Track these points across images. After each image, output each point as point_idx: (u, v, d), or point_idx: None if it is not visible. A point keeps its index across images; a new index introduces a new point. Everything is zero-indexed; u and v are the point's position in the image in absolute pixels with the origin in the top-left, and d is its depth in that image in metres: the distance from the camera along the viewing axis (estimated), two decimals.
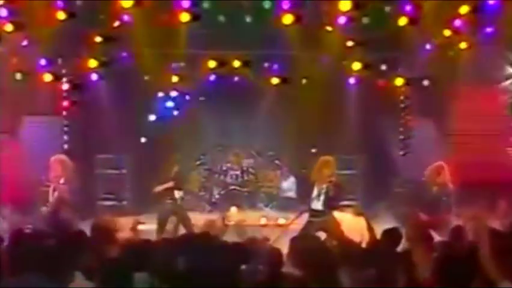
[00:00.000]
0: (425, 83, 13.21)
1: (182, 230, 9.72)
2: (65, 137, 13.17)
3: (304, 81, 13.53)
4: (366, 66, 13.14)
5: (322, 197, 8.85)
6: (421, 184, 9.34)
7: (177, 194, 10.13)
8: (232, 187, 14.29)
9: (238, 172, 14.44)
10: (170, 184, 10.05)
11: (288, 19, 12.20)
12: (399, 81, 13.51)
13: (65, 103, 13.21)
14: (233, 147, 14.55)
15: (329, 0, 12.10)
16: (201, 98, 13.90)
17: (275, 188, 14.29)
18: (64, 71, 13.02)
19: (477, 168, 12.06)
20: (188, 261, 4.45)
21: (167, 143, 12.90)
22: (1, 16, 11.52)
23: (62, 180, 8.45)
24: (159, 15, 12.17)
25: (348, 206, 11.16)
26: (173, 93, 13.71)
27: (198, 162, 14.34)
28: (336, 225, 8.67)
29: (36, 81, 12.61)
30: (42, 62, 12.70)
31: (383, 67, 13.18)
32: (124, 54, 12.95)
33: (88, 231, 5.73)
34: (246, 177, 14.45)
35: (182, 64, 13.16)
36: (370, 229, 6.41)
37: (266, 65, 13.40)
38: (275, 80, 13.57)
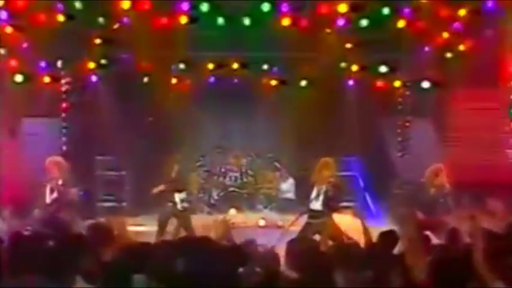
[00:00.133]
0: (424, 84, 13.25)
1: (183, 232, 9.73)
2: (65, 139, 13.22)
3: (303, 83, 13.57)
4: (364, 68, 13.20)
5: (321, 197, 8.89)
6: (419, 185, 9.36)
7: (178, 196, 10.11)
8: (231, 189, 14.29)
9: (237, 174, 14.46)
10: (161, 187, 10.03)
11: (286, 21, 12.28)
12: (397, 83, 13.57)
13: (65, 105, 13.28)
14: (232, 149, 14.56)
15: (327, 2, 12.16)
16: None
17: (274, 189, 14.30)
18: (63, 73, 13.08)
19: (475, 170, 12.08)
20: (186, 264, 4.47)
21: (167, 145, 12.94)
22: (1, 18, 11.58)
23: (60, 182, 8.44)
24: (158, 17, 12.22)
25: (347, 207, 11.23)
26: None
27: (197, 164, 14.35)
28: (335, 227, 8.70)
29: (35, 83, 12.65)
30: (42, 63, 12.75)
31: (382, 69, 13.20)
32: (123, 56, 12.99)
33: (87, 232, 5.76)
34: (245, 179, 14.46)
35: (181, 66, 13.19)
36: (366, 231, 6.43)
37: (265, 67, 13.43)
38: (274, 82, 13.62)
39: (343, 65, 13.11)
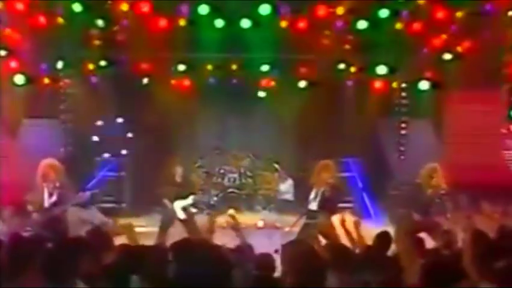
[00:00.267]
0: (422, 86, 13.29)
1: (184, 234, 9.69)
2: (65, 140, 13.27)
3: (302, 84, 13.60)
4: (363, 70, 13.25)
5: (318, 198, 8.94)
6: (416, 186, 9.38)
7: (184, 203, 10.05)
8: (230, 190, 14.34)
9: (236, 175, 14.48)
10: (167, 190, 10.03)
11: (285, 23, 12.33)
12: (396, 85, 13.61)
13: (65, 106, 13.33)
14: (231, 150, 14.59)
15: (326, 4, 12.21)
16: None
17: (273, 190, 14.31)
18: (63, 74, 13.14)
19: (472, 171, 12.10)
20: (178, 267, 4.50)
21: (166, 146, 13.00)
22: (1, 20, 11.64)
23: (57, 184, 8.45)
24: (158, 19, 12.28)
25: (345, 208, 11.25)
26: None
27: (196, 165, 14.37)
28: (332, 229, 8.73)
29: (36, 84, 12.70)
30: (42, 65, 12.81)
31: (380, 70, 13.25)
32: (123, 57, 13.04)
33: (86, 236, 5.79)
34: (243, 180, 14.49)
35: (180, 67, 13.23)
36: (359, 234, 6.46)
37: (264, 68, 13.46)
38: (273, 83, 13.66)
39: (342, 66, 13.15)
